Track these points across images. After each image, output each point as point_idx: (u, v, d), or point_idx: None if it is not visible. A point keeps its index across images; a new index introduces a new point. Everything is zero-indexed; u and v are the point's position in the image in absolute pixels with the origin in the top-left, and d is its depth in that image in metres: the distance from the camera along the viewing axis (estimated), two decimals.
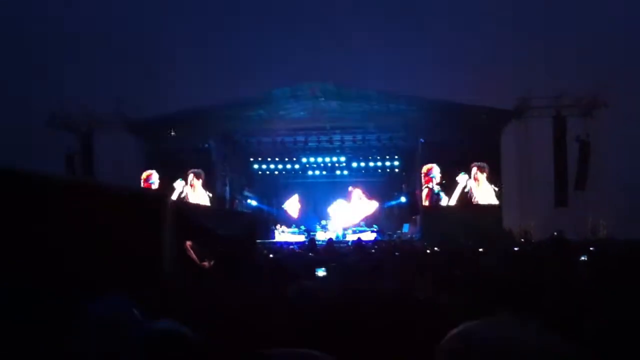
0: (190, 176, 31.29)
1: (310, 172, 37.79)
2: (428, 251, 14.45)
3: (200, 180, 31.35)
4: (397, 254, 11.68)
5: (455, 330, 0.94)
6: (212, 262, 6.09)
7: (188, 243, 5.36)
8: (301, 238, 30.58)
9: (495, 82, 36.31)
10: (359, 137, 33.64)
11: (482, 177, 29.63)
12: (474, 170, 29.65)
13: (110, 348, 2.85)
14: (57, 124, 30.56)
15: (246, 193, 36.44)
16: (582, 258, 8.53)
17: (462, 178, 29.71)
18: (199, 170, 31.36)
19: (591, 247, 13.24)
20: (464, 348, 0.90)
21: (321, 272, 5.36)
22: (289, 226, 35.94)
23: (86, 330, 2.65)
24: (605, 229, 27.89)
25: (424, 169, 30.24)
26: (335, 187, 38.53)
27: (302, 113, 31.22)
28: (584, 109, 28.47)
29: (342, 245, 22.09)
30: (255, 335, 2.85)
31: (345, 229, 34.59)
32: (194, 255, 5.52)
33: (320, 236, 30.40)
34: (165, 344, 1.86)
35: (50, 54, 42.46)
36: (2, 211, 2.88)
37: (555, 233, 14.91)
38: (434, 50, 49.35)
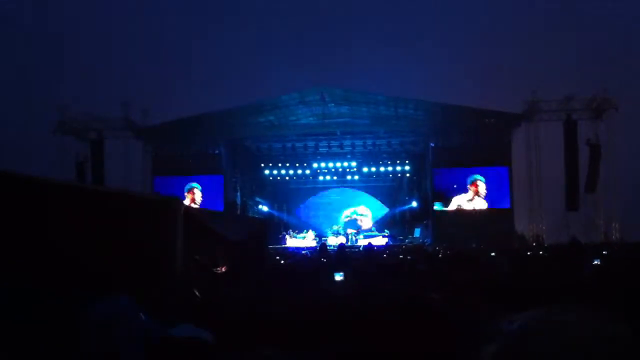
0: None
1: (321, 178, 37.76)
2: (440, 255, 14.39)
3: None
4: (409, 257, 11.67)
5: (509, 321, 0.90)
6: (223, 267, 6.12)
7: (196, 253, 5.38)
8: (312, 243, 30.53)
9: (505, 85, 36.22)
10: (369, 142, 33.68)
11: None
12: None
13: (111, 349, 2.87)
14: (65, 131, 30.73)
15: (257, 198, 36.50)
16: (595, 262, 8.46)
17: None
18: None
19: (604, 250, 13.19)
20: (521, 340, 0.86)
21: (339, 277, 5.39)
22: (299, 232, 35.87)
23: (88, 330, 2.66)
24: (617, 232, 27.73)
25: None
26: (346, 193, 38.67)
27: (311, 118, 31.29)
28: (594, 111, 28.35)
29: (353, 250, 22.04)
30: (265, 336, 2.86)
31: (357, 234, 34.43)
32: (205, 260, 5.55)
33: (332, 241, 30.34)
34: (186, 349, 1.87)
35: (57, 61, 42.74)
36: (25, 215, 2.92)
37: (571, 239, 14.77)
38: (443, 54, 49.37)
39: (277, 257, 14.39)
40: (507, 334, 0.91)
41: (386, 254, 15.52)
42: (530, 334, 0.88)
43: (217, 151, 31.94)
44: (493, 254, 12.44)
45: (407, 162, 35.83)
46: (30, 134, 33.65)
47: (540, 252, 14.18)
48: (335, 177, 37.58)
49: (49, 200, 3.31)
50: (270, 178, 37.69)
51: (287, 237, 33.77)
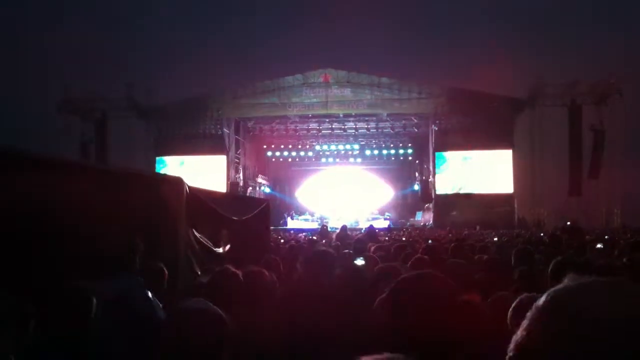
0: None
1: (323, 160, 37.72)
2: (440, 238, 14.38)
3: None
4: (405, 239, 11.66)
5: (548, 296, 0.80)
6: (226, 247, 6.13)
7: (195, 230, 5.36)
8: (314, 225, 30.54)
9: (510, 69, 35.94)
10: (372, 124, 33.67)
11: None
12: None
13: (120, 325, 2.90)
14: (69, 110, 30.74)
15: (259, 179, 36.55)
16: (599, 246, 8.43)
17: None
18: None
19: (605, 235, 13.18)
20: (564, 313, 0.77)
21: (359, 261, 5.35)
22: (301, 213, 35.94)
23: (99, 308, 2.68)
24: (619, 218, 27.65)
25: None
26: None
27: (314, 100, 31.23)
28: (598, 96, 28.12)
29: (355, 232, 22.06)
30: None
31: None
32: (208, 239, 5.56)
33: (333, 223, 30.36)
34: (200, 321, 1.88)
35: (62, 40, 42.52)
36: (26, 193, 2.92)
37: (569, 223, 14.75)
38: (447, 37, 49.12)
39: (279, 238, 14.42)
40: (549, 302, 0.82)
41: (387, 237, 15.55)
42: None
43: (219, 132, 31.94)
44: (496, 239, 12.42)
45: (409, 145, 35.80)
46: (34, 114, 33.54)
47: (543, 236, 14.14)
48: (337, 160, 37.55)
49: (56, 178, 3.32)
50: (273, 159, 37.74)
51: (289, 218, 33.85)
